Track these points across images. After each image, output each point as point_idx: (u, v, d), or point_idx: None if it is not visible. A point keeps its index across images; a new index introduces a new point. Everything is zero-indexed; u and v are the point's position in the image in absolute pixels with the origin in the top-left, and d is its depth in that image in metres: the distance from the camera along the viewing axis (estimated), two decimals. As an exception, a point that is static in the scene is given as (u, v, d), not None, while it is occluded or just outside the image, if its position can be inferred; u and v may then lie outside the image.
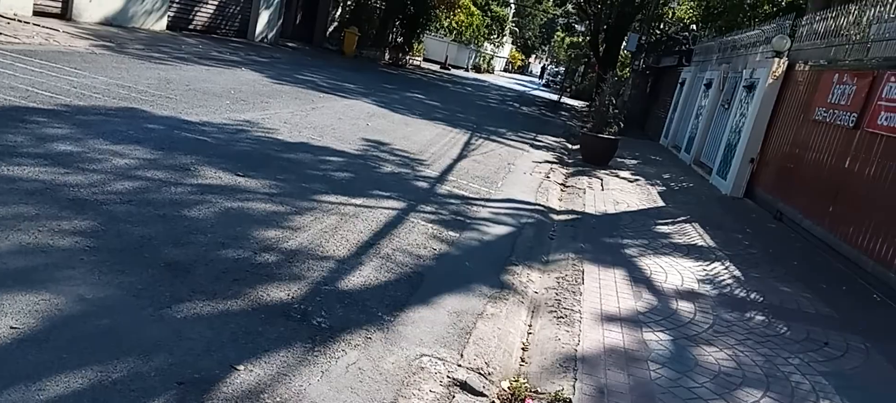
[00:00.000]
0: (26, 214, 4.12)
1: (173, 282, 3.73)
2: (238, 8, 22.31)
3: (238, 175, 6.13)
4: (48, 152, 5.43)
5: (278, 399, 2.91)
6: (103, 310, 3.27)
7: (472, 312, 4.42)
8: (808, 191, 8.97)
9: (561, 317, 4.63)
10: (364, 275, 4.54)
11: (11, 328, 2.93)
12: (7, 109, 6.43)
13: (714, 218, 9.02)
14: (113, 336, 3.08)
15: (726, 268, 6.46)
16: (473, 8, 42.88)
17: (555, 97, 40.00)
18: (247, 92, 11.28)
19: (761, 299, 5.63)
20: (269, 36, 24.12)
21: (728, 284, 5.94)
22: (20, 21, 12.58)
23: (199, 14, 20.44)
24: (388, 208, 6.34)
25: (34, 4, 13.68)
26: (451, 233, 6.03)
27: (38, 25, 12.57)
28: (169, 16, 18.55)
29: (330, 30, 31.14)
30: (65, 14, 14.69)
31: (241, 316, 3.58)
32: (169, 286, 3.68)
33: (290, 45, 25.26)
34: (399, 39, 34.80)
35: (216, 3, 21.05)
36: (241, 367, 3.06)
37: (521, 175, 10.13)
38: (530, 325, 4.57)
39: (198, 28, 20.40)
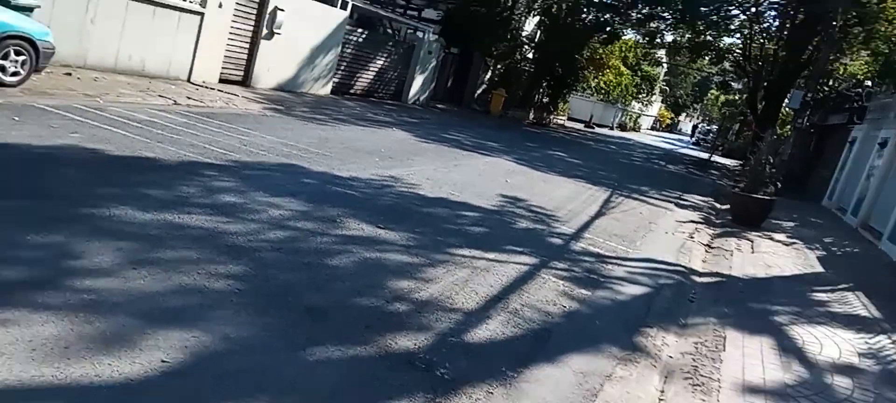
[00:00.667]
0: (189, 258, 4.61)
1: (311, 326, 3.98)
2: (395, 73, 23.76)
3: (379, 227, 6.45)
4: (214, 203, 6.06)
5: (394, 444, 2.98)
6: (245, 349, 3.56)
7: (599, 373, 4.28)
8: None
9: (697, 385, 4.35)
10: (490, 329, 4.56)
11: (162, 361, 3.27)
12: (185, 164, 7.28)
13: (883, 287, 8.06)
14: (251, 375, 3.34)
15: (894, 342, 5.72)
16: (623, 68, 42.35)
17: (705, 155, 38.06)
18: (395, 150, 11.90)
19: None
20: (422, 98, 25.36)
21: (895, 360, 5.26)
22: (207, 87, 14.26)
23: (360, 79, 22.01)
24: (519, 263, 6.36)
25: (220, 73, 15.48)
26: (582, 291, 5.91)
27: (222, 91, 14.17)
28: (334, 81, 20.14)
29: (479, 92, 32.12)
30: (245, 81, 16.46)
31: (369, 362, 3.74)
32: (306, 329, 3.93)
33: (440, 106, 26.37)
34: (545, 100, 35.07)
35: (376, 69, 22.58)
36: (362, 411, 3.19)
37: (663, 234, 9.72)
38: (662, 392, 4.33)
39: (358, 92, 21.94)
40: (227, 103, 12.83)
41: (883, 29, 19.36)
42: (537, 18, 32.23)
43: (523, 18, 31.48)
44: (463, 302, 4.95)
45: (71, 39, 11.46)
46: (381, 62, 22.68)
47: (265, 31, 16.37)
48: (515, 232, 7.77)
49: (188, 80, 14.44)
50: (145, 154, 7.28)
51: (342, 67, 20.62)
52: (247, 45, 16.26)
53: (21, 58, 8.84)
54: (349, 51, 20.76)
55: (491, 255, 6.41)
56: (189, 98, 12.08)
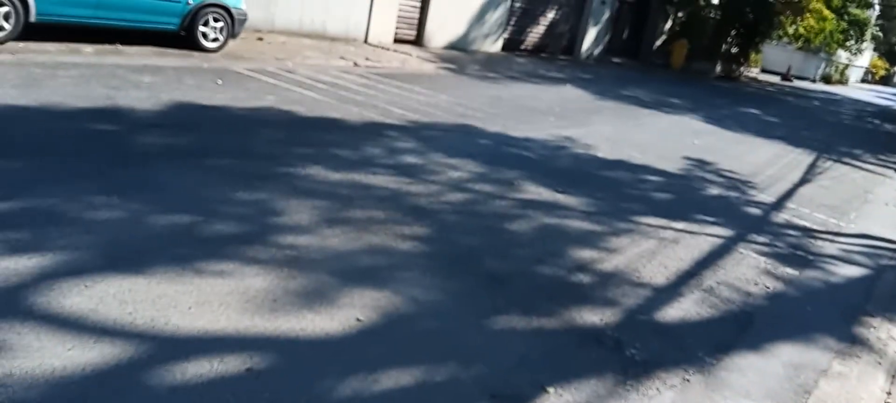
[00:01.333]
0: (377, 218, 4.73)
1: (493, 293, 3.91)
2: (567, 27, 23.00)
3: (557, 191, 6.24)
4: (397, 163, 6.19)
5: (586, 429, 2.83)
6: (432, 313, 3.57)
7: (812, 367, 3.80)
8: None
9: (937, 391, 3.71)
10: (683, 309, 4.21)
11: (357, 319, 3.36)
12: (368, 125, 7.53)
13: None
14: (438, 339, 3.33)
15: None
16: (826, 11, 37.63)
17: (932, 112, 32.96)
18: (570, 108, 11.51)
19: None
20: (595, 52, 24.38)
21: None
22: (383, 48, 14.74)
23: (530, 35, 21.60)
24: (712, 235, 5.83)
25: (394, 33, 15.92)
26: (787, 270, 5.29)
27: (397, 51, 14.57)
28: (503, 38, 19.96)
29: (657, 43, 30.22)
30: (417, 40, 16.80)
31: (554, 335, 3.59)
32: (489, 296, 3.86)
33: (615, 60, 25.20)
34: (733, 50, 32.15)
35: (546, 23, 22.00)
36: (551, 390, 3.05)
37: (882, 206, 8.50)
38: (889, 394, 3.75)
39: (528, 48, 21.58)
40: (402, 63, 13.15)
41: None
42: (724, -42, 29.44)
43: (708, -40, 28.93)
44: (651, 277, 4.62)
45: (260, 5, 12.30)
46: (552, 15, 22.02)
47: (437, -12, 16.53)
48: (706, 199, 7.16)
49: (365, 41, 15.01)
50: (332, 115, 7.62)
51: (512, 22, 20.32)
52: (418, 5, 16.52)
53: (219, 24, 9.63)
54: (519, 5, 20.38)
55: (679, 225, 5.95)
56: (367, 59, 12.53)
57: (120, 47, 8.63)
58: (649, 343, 3.68)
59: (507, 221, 5.20)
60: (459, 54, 16.80)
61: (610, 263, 4.72)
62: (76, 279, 3.22)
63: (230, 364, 2.81)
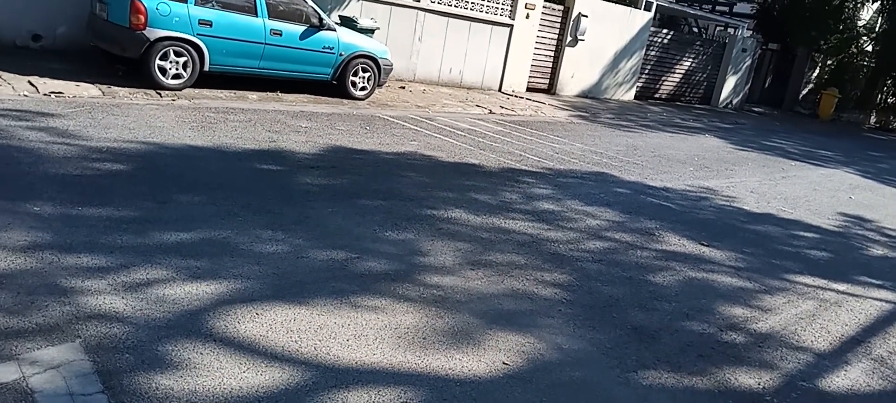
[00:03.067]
0: (517, 263, 4.78)
1: (639, 347, 3.81)
2: (704, 75, 22.24)
3: (701, 244, 6.00)
4: (534, 209, 6.23)
5: None
6: (577, 363, 3.53)
7: None
8: None
9: None
10: (851, 378, 3.89)
11: (503, 363, 3.39)
12: (505, 170, 7.64)
13: None
14: (585, 390, 3.29)
15: None
16: None
17: None
18: (709, 158, 11.07)
19: None
20: (735, 101, 23.33)
21: None
22: (516, 96, 14.96)
23: (665, 83, 21.09)
24: (880, 299, 5.35)
25: (528, 81, 16.13)
26: (974, 345, 4.74)
27: (530, 99, 14.73)
28: (637, 86, 19.62)
29: (804, 92, 28.42)
30: (550, 89, 16.91)
31: (707, 395, 3.44)
32: (635, 350, 3.77)
33: (756, 109, 23.98)
34: (890, 100, 29.59)
35: (682, 71, 21.40)
36: (709, 452, 2.92)
37: None
38: None
39: (663, 96, 21.05)
40: (535, 111, 13.26)
41: None
42: (877, 4, 27.30)
43: (859, 5, 26.92)
44: (812, 341, 4.31)
45: (403, 56, 12.94)
46: (688, 63, 21.39)
47: (569, 38, 16.58)
48: (869, 259, 6.60)
49: (499, 90, 15.30)
50: (471, 160, 7.82)
51: (646, 71, 19.94)
52: (552, 54, 16.66)
53: (367, 74, 10.22)
54: (653, 53, 20.00)
55: (840, 286, 5.51)
56: (502, 107, 12.76)
57: (280, 95, 9.40)
58: (814, 412, 3.43)
59: (649, 273, 5.07)
60: (592, 102, 16.70)
61: (765, 323, 4.46)
62: (248, 306, 3.51)
63: (386, 397, 2.94)
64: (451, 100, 12.26)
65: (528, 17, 15.24)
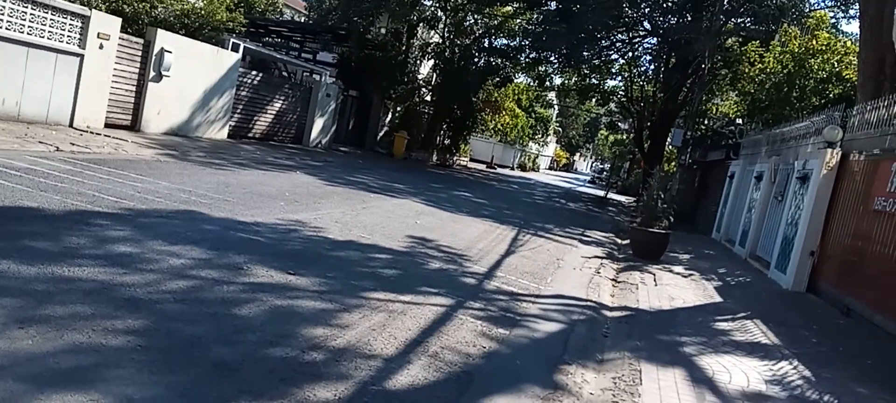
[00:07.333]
0: (82, 314, 4.21)
1: (221, 383, 3.70)
2: (295, 116, 23.34)
3: (288, 273, 6.19)
4: (108, 253, 5.61)
5: None
6: (150, 410, 3.25)
7: (523, 414, 4.24)
8: (877, 285, 8.50)
9: (618, 420, 4.40)
10: (412, 375, 4.43)
11: (60, 427, 2.93)
12: (73, 213, 6.73)
13: (777, 314, 8.59)
14: (159, 437, 3.05)
15: (795, 368, 6.08)
16: (518, 110, 43.82)
17: (601, 193, 39.91)
18: (300, 193, 11.59)
19: (836, 402, 5.25)
20: (323, 141, 25.03)
21: (798, 385, 5.57)
22: (92, 132, 13.39)
23: (258, 123, 21.45)
24: (435, 305, 6.28)
25: (106, 117, 14.59)
26: (500, 331, 5.90)
27: (109, 136, 13.34)
28: (230, 125, 19.50)
29: (380, 134, 32.16)
30: (134, 125, 15.61)
31: (287, 416, 3.51)
32: (216, 386, 3.65)
33: (342, 149, 26.12)
34: (446, 141, 35.64)
35: (274, 111, 22.10)
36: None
37: (571, 271, 9.96)
38: (586, 428, 4.34)
39: (256, 136, 21.35)
40: (115, 149, 12.10)
41: (747, 70, 21.24)
42: (432, 62, 32.89)
43: (418, 62, 32.01)
44: (382, 348, 4.80)
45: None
46: (279, 105, 22.26)
47: (152, 73, 15.69)
48: (428, 273, 7.70)
49: (70, 125, 13.56)
50: (27, 203, 6.68)
51: (238, 110, 20.06)
52: (133, 88, 15.51)
53: None
54: (245, 93, 20.26)
55: (406, 298, 6.29)
56: (73, 144, 11.31)
57: None
58: (382, 411, 3.79)
59: (235, 306, 5.00)
60: (182, 140, 15.98)
61: (342, 339, 4.80)
62: None
63: None
64: (2, 135, 10.32)
65: (102, 47, 13.87)
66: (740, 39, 24.75)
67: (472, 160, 44.61)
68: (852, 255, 9.48)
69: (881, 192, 8.87)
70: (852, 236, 9.64)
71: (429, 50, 31.81)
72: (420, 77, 32.69)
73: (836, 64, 17.22)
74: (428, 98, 34.11)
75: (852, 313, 8.78)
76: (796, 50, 17.95)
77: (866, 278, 8.85)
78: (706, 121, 29.38)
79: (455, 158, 36.29)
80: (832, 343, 7.39)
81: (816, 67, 17.37)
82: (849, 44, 18.05)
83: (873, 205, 9.02)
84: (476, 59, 32.62)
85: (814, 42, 17.74)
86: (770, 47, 20.52)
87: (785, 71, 18.07)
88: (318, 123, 24.44)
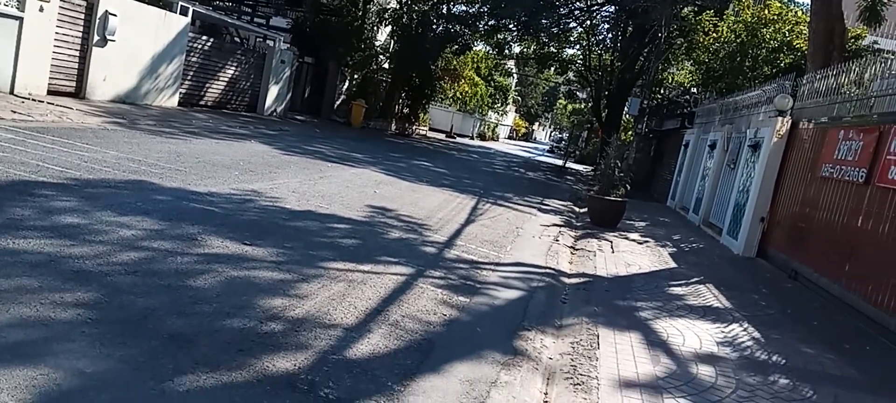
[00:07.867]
0: (28, 287, 4.05)
1: (176, 354, 3.62)
2: (248, 83, 22.76)
3: (245, 244, 6.07)
4: (54, 225, 5.40)
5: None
6: (103, 385, 3.16)
7: (485, 380, 4.27)
8: (822, 249, 8.82)
9: (578, 384, 4.47)
10: (372, 343, 4.41)
11: (6, 404, 2.82)
12: (16, 183, 6.45)
13: (728, 279, 8.85)
14: (112, 412, 2.96)
15: (745, 330, 6.27)
16: (477, 79, 43.75)
17: (559, 162, 40.33)
18: (255, 163, 11.36)
19: (784, 361, 5.44)
20: (279, 110, 24.53)
21: (748, 346, 5.75)
22: (34, 100, 12.83)
23: (210, 90, 20.85)
24: (396, 274, 6.25)
25: (49, 84, 13.98)
26: (460, 299, 5.91)
27: (52, 104, 12.80)
28: (180, 92, 18.92)
29: (338, 102, 31.69)
30: (78, 92, 15.00)
31: (246, 387, 3.45)
32: (172, 358, 3.56)
33: (299, 118, 25.65)
34: (405, 110, 35.34)
35: (227, 79, 21.50)
36: (245, 442, 2.92)
37: (530, 239, 10.04)
38: (546, 393, 4.40)
39: (209, 104, 20.78)
40: (59, 116, 11.63)
41: (701, 40, 21.53)
42: (389, 28, 32.37)
43: (376, 28, 31.44)
44: (342, 318, 4.76)
45: None
46: (232, 71, 21.67)
47: (97, 37, 15.06)
48: (388, 242, 7.65)
49: (11, 92, 12.96)
50: (-37, 173, 6.37)
51: (189, 77, 19.46)
52: (77, 53, 14.87)
53: None
54: (195, 59, 19.64)
55: (366, 267, 6.25)
56: (14, 112, 10.82)
57: None
58: (342, 380, 3.76)
59: (190, 278, 4.88)
60: (130, 108, 15.45)
61: (301, 309, 4.74)
62: None
63: None
64: (-65, 102, 9.80)
65: (42, 10, 13.23)
66: (696, 8, 25.05)
67: (431, 129, 44.45)
68: (800, 221, 9.80)
69: (828, 159, 9.15)
70: (800, 203, 9.95)
71: (386, 15, 31.28)
72: (378, 44, 32.19)
73: (787, 33, 17.59)
74: (386, 65, 33.65)
75: (799, 277, 9.10)
76: (749, 19, 18.27)
77: (812, 243, 9.17)
78: (662, 91, 29.83)
79: (414, 127, 36.09)
80: (780, 306, 7.65)
81: (768, 37, 17.71)
82: (800, 14, 18.44)
83: (820, 172, 9.31)
84: (434, 26, 32.25)
85: (766, 11, 18.08)
86: (724, 17, 20.85)
87: (738, 40, 18.37)
88: (273, 91, 23.91)
